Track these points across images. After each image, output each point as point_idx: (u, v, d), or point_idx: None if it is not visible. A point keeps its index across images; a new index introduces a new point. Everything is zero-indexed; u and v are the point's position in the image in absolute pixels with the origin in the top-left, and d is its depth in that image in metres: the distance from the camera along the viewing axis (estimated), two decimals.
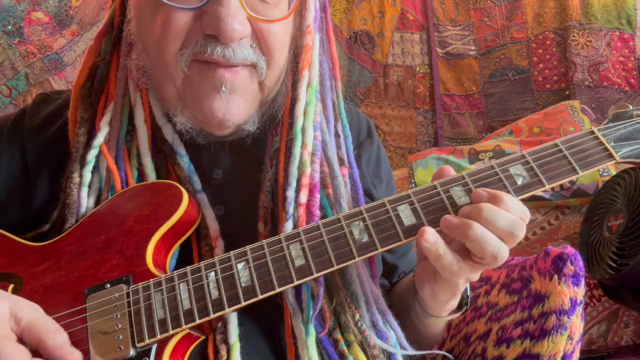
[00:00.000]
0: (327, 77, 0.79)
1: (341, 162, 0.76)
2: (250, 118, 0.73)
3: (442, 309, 0.71)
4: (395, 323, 0.70)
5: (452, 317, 0.74)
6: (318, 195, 0.71)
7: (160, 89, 0.73)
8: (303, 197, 0.70)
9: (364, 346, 0.66)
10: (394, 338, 0.69)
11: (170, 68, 0.68)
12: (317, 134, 0.74)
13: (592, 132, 0.66)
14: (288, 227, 0.68)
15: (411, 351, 0.69)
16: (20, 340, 0.55)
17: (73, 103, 0.76)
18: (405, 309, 0.77)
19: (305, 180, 0.70)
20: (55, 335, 0.55)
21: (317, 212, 0.70)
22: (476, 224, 0.58)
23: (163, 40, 0.66)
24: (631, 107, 0.69)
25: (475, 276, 0.64)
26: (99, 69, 0.78)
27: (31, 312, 0.56)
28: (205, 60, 0.66)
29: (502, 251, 0.58)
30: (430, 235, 0.59)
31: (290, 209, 0.69)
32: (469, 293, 0.73)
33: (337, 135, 0.78)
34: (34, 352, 0.55)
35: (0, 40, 2.11)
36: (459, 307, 0.73)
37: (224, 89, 0.67)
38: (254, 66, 0.69)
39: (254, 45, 0.68)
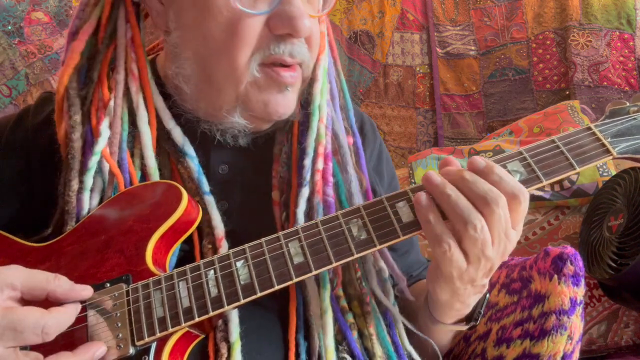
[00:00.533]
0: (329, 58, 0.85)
1: (347, 131, 0.82)
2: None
3: (445, 314, 0.70)
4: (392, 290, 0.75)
5: (458, 328, 0.72)
6: (331, 164, 0.77)
7: (209, 95, 0.73)
8: (320, 164, 0.76)
9: (360, 302, 0.72)
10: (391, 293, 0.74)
11: (239, 73, 0.69)
12: (329, 110, 0.80)
13: (589, 129, 0.66)
14: (304, 192, 0.73)
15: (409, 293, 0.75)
16: (24, 302, 0.55)
17: (58, 104, 0.74)
18: (414, 314, 0.77)
19: (321, 150, 0.77)
20: (59, 282, 0.57)
21: (331, 179, 0.76)
22: (449, 185, 0.59)
23: (236, 47, 0.68)
24: (628, 104, 0.69)
25: (474, 275, 0.61)
26: (84, 69, 0.76)
27: (19, 273, 0.55)
28: (272, 62, 0.70)
29: (472, 216, 0.57)
30: (423, 197, 0.60)
31: (308, 176, 0.74)
32: (482, 310, 0.71)
33: (342, 108, 0.84)
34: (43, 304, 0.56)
35: (0, 40, 2.11)
36: (468, 320, 0.71)
37: (288, 89, 0.73)
38: (300, 64, 0.73)
39: (304, 43, 0.72)
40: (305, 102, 0.79)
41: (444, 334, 0.77)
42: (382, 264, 0.76)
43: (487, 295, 0.70)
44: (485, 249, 0.58)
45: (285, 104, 0.74)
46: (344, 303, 0.72)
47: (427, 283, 0.69)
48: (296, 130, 0.79)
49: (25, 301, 0.56)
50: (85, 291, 0.59)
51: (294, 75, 0.72)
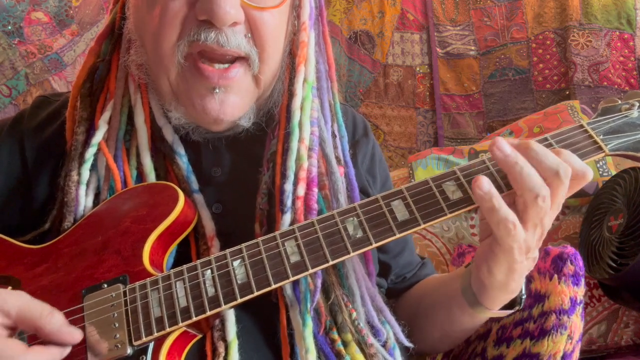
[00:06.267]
0: (324, 77, 0.80)
1: (338, 161, 0.76)
2: (245, 114, 0.74)
3: (497, 298, 0.66)
4: (393, 319, 0.69)
5: (501, 313, 0.69)
6: (316, 190, 0.71)
7: (156, 83, 0.73)
8: (301, 190, 0.70)
9: (362, 345, 0.66)
10: (391, 333, 0.68)
11: (166, 60, 0.68)
12: (315, 129, 0.74)
13: (582, 126, 0.67)
14: (286, 220, 0.68)
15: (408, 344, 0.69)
16: (15, 330, 0.55)
17: (72, 103, 0.77)
18: (435, 306, 0.75)
19: (303, 174, 0.70)
20: (50, 319, 0.55)
21: (315, 206, 0.70)
22: (520, 156, 0.58)
23: (160, 31, 0.67)
24: (620, 102, 0.70)
25: (531, 242, 0.60)
26: (98, 70, 0.79)
27: (18, 301, 0.55)
28: (199, 53, 0.67)
29: (543, 191, 0.57)
30: (485, 183, 0.58)
31: (288, 202, 0.69)
32: (524, 292, 0.69)
33: (333, 135, 0.78)
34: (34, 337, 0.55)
35: (0, 40, 2.11)
36: (511, 306, 0.69)
37: (217, 90, 0.68)
38: (246, 60, 0.69)
39: (249, 35, 0.68)
40: (288, 120, 0.74)
41: (478, 321, 0.73)
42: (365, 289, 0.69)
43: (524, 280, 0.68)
44: (544, 216, 0.59)
45: (220, 108, 0.69)
46: (339, 347, 0.65)
47: (476, 267, 0.66)
48: (279, 158, 0.73)
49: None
50: (75, 335, 0.56)
51: (227, 76, 0.68)
